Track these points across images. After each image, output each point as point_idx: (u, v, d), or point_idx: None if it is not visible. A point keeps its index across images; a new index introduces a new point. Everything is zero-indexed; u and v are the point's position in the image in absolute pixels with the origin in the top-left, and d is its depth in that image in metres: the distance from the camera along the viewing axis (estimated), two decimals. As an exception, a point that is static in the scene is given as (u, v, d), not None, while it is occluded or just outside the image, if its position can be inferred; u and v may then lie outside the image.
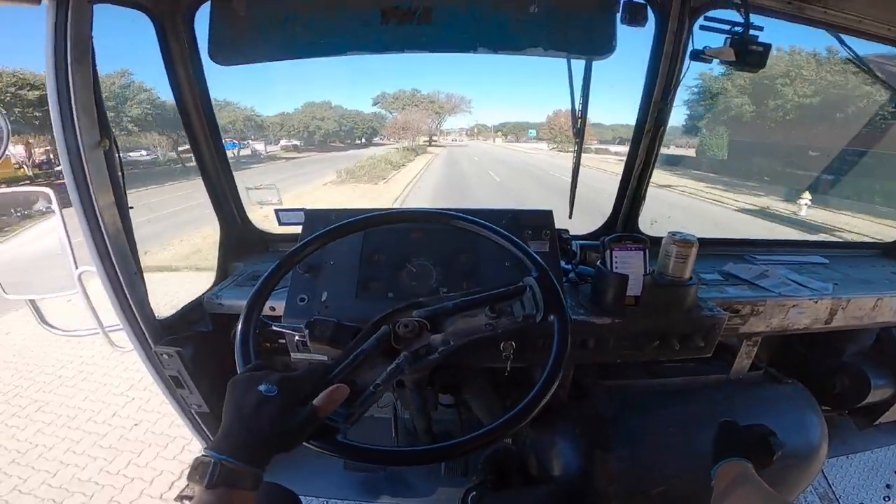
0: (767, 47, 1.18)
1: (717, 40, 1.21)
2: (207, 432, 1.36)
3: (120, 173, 1.04)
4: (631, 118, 1.43)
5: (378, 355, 0.79)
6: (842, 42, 1.47)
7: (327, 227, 0.94)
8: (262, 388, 0.60)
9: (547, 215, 1.21)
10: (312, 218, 1.22)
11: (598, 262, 1.13)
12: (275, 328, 1.07)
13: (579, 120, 1.36)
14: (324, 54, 1.25)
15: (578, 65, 1.32)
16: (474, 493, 1.37)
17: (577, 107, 1.36)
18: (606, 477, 1.21)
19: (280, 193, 1.56)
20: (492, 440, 0.69)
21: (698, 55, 1.25)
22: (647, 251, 1.08)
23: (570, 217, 1.46)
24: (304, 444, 0.62)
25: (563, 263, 1.24)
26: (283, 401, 0.60)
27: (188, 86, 1.29)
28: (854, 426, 1.84)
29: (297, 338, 1.04)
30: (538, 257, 0.86)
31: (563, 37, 1.24)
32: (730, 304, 1.24)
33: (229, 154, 1.55)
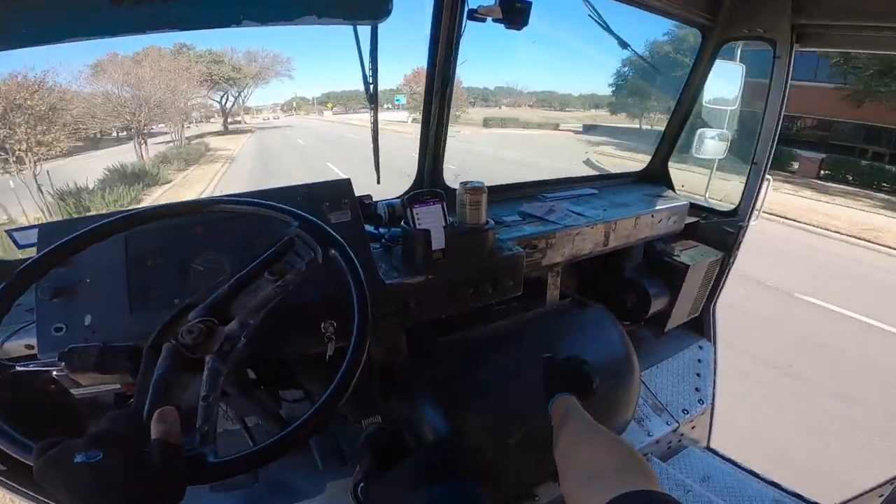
0: (528, 5, 1.30)
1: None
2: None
3: None
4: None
5: (181, 374, 0.69)
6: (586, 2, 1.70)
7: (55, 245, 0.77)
8: (79, 458, 0.45)
9: (345, 184, 1.17)
10: (48, 233, 0.97)
11: (402, 222, 1.15)
12: (18, 369, 0.85)
13: (371, 86, 1.34)
14: (35, 44, 0.97)
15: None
16: (362, 484, 1.32)
17: (368, 74, 1.34)
18: (472, 432, 1.23)
19: (8, 211, 1.20)
20: (327, 414, 0.66)
21: (472, 14, 1.33)
22: (444, 203, 1.12)
23: (379, 182, 1.45)
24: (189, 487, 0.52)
25: (371, 229, 1.22)
26: (121, 455, 0.47)
27: None
28: (652, 337, 2.10)
29: (54, 373, 0.85)
30: (291, 209, 0.85)
31: (335, 0, 1.18)
32: (528, 240, 1.38)
33: None
